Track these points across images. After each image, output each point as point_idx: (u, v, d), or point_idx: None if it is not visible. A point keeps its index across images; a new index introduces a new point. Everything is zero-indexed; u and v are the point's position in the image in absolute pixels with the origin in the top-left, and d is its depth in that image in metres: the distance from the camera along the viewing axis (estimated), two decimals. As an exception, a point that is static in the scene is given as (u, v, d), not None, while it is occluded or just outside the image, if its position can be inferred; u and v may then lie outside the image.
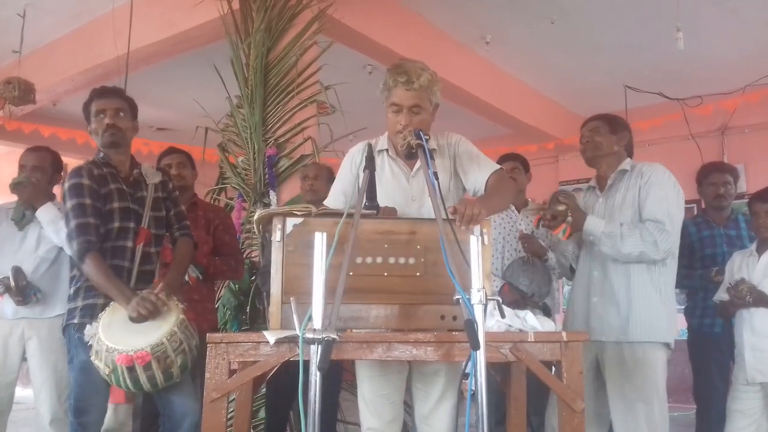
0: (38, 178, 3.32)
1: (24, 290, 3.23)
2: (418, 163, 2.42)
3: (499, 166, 2.48)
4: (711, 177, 4.05)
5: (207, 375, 1.89)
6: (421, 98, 2.37)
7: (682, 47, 4.78)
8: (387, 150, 2.53)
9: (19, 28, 5.38)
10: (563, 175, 8.55)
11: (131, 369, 2.38)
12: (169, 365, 2.43)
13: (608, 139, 3.03)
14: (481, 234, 2.02)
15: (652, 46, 6.11)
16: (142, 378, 2.41)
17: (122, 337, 2.44)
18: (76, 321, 2.61)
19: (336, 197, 2.55)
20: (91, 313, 2.60)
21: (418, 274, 2.05)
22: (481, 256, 1.71)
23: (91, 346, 2.46)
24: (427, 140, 2.18)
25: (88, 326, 2.50)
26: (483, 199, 2.29)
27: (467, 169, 2.47)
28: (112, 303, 2.59)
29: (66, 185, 2.66)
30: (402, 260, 2.04)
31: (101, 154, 2.79)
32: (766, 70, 6.36)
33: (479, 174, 2.44)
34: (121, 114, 2.77)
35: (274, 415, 3.57)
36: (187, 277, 3.32)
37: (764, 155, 7.15)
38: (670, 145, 7.67)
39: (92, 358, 2.46)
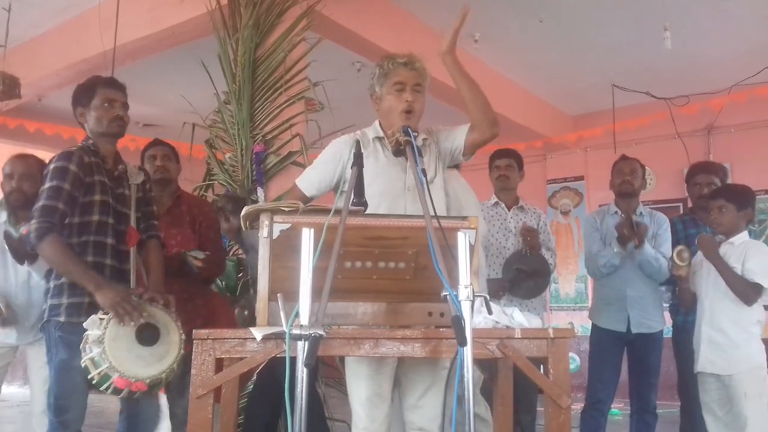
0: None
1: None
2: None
3: None
4: (697, 177, 4.10)
5: (193, 371, 1.87)
6: (422, 78, 2.48)
7: (670, 47, 4.81)
8: (381, 138, 2.53)
9: (5, 22, 5.32)
10: (551, 173, 8.59)
11: (120, 390, 2.41)
12: (157, 391, 2.53)
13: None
14: (471, 234, 2.02)
15: (640, 46, 6.14)
16: (124, 394, 2.45)
17: (126, 358, 2.43)
18: (61, 319, 2.55)
19: (309, 182, 2.58)
20: (78, 312, 2.55)
21: (407, 277, 2.03)
22: (468, 253, 1.71)
23: (85, 347, 2.42)
24: (415, 137, 2.18)
25: (91, 321, 2.44)
26: None
27: (447, 136, 2.55)
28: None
29: (51, 165, 2.58)
30: (392, 264, 2.01)
31: (90, 141, 2.73)
32: (752, 70, 6.40)
33: (458, 133, 2.52)
34: (126, 109, 2.80)
35: (264, 415, 3.56)
36: (196, 263, 3.34)
37: (750, 155, 7.21)
38: (656, 144, 7.73)
39: (84, 359, 2.42)
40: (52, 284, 2.63)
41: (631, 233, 3.71)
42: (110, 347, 2.39)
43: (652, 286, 3.93)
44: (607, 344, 3.89)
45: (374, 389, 2.35)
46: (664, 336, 3.96)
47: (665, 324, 4.02)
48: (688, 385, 3.58)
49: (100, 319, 2.44)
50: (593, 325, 4.01)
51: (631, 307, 3.84)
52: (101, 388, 2.43)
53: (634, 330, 3.84)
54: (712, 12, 5.54)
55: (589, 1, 5.47)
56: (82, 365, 2.43)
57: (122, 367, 2.39)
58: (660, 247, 3.87)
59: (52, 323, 2.59)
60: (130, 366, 2.41)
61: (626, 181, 4.00)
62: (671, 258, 3.43)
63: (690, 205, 4.47)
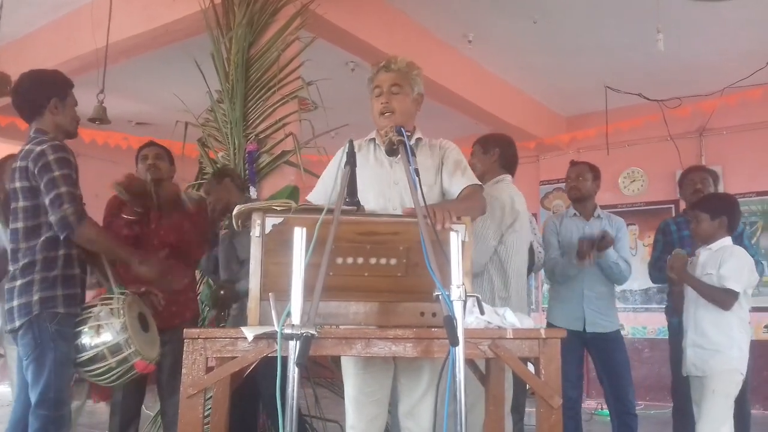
0: None
1: None
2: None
3: (479, 182, 2.53)
4: (689, 176, 4.18)
5: (184, 371, 1.86)
6: (400, 79, 2.52)
7: (662, 49, 4.82)
8: (374, 139, 2.60)
9: (-4, 19, 5.30)
10: (544, 174, 8.60)
11: (133, 372, 2.62)
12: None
13: (481, 159, 3.41)
14: (462, 231, 2.03)
15: (633, 48, 6.15)
16: (123, 379, 2.64)
17: (141, 342, 2.65)
18: (60, 310, 2.55)
19: (317, 192, 2.62)
20: (74, 303, 2.60)
21: (399, 274, 2.03)
22: (461, 253, 1.70)
23: (101, 333, 2.55)
24: (408, 136, 2.18)
25: (105, 312, 2.58)
26: (452, 202, 2.38)
27: (451, 171, 2.53)
28: (123, 298, 2.66)
29: (52, 157, 2.57)
30: (383, 261, 2.02)
31: (52, 135, 2.71)
32: (744, 73, 6.42)
33: (459, 181, 2.50)
34: None
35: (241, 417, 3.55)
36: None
37: (742, 157, 7.25)
38: (649, 145, 7.77)
39: (99, 348, 2.54)
40: (38, 276, 2.58)
41: (591, 251, 3.81)
42: (133, 333, 2.60)
43: (608, 287, 4.01)
44: (566, 343, 3.90)
45: (360, 388, 2.39)
46: (660, 338, 3.99)
47: (619, 324, 4.10)
48: (681, 385, 3.60)
49: (111, 308, 2.60)
50: (549, 325, 4.05)
51: (587, 306, 3.91)
52: (107, 376, 2.58)
53: (589, 329, 3.90)
54: (704, 15, 5.56)
55: (582, 3, 5.48)
56: (92, 354, 2.55)
57: (143, 350, 2.63)
58: (620, 251, 3.93)
59: (45, 316, 2.54)
60: (146, 349, 2.67)
61: (573, 187, 4.11)
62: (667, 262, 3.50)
63: (683, 207, 4.50)
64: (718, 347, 3.17)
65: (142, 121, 8.20)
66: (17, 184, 2.64)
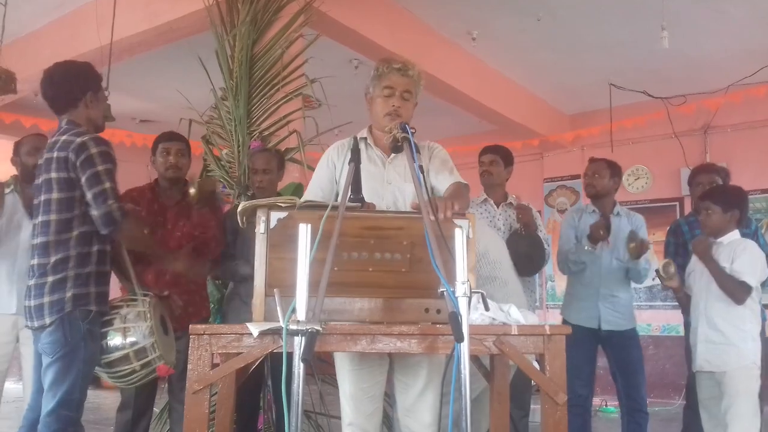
0: None
1: None
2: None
3: (465, 181, 2.52)
4: (698, 177, 4.16)
5: (189, 367, 1.87)
6: (412, 86, 2.51)
7: (667, 46, 4.82)
8: (366, 138, 2.59)
9: (0, 17, 5.30)
10: (548, 172, 8.60)
11: (154, 375, 2.65)
12: None
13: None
14: (467, 227, 2.04)
15: (637, 45, 6.15)
16: (144, 381, 2.70)
17: (164, 345, 2.66)
18: (92, 308, 2.52)
19: (313, 192, 2.56)
20: (104, 301, 2.60)
21: (403, 269, 2.04)
22: (465, 249, 1.71)
23: (128, 336, 2.57)
24: (413, 134, 2.19)
25: (134, 314, 2.60)
26: (450, 196, 2.35)
27: (437, 170, 2.54)
28: (148, 301, 2.67)
29: (94, 150, 2.52)
30: (388, 256, 2.03)
31: (84, 129, 2.67)
32: (749, 70, 6.42)
33: (446, 178, 2.50)
34: None
35: (242, 412, 3.55)
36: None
37: (746, 154, 7.23)
38: (653, 143, 7.75)
39: (126, 350, 2.56)
40: (71, 273, 2.51)
41: (605, 234, 3.80)
42: (158, 337, 2.61)
43: (625, 285, 4.00)
44: (579, 340, 3.89)
45: (357, 384, 2.40)
46: (665, 335, 3.97)
47: (636, 323, 4.10)
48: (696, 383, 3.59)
49: (138, 311, 2.61)
50: (564, 322, 4.03)
51: (603, 305, 3.90)
52: (129, 378, 2.61)
53: (605, 327, 3.89)
54: (709, 12, 5.55)
55: (586, 0, 5.48)
56: (118, 356, 2.56)
57: (166, 355, 2.63)
58: None
59: (78, 314, 2.49)
60: (168, 352, 2.67)
61: (589, 184, 4.11)
62: (657, 272, 3.49)
63: (688, 204, 4.50)
64: (732, 341, 3.15)
65: (146, 118, 8.22)
66: (53, 175, 2.55)
